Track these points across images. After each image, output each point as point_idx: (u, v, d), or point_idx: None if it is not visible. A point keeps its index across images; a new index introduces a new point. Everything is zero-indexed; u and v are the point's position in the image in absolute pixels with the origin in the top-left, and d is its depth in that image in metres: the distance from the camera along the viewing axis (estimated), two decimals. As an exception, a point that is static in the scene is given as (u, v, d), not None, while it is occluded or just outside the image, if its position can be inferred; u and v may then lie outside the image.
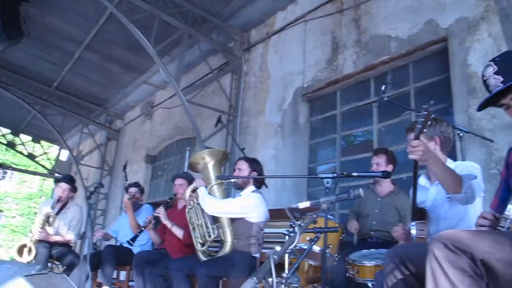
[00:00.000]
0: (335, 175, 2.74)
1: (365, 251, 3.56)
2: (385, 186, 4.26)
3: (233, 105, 8.24)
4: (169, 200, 4.95)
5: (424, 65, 5.49)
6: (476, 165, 2.74)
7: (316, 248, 3.42)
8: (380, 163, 4.17)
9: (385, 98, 4.16)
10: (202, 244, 4.08)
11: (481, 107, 2.06)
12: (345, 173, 2.83)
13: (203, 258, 4.01)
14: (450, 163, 2.84)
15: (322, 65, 6.59)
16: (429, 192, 2.87)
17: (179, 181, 5.02)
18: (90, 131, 13.38)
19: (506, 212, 1.81)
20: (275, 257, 1.66)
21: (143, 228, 4.70)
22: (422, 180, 2.93)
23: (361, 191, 2.20)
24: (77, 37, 9.31)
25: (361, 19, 6.17)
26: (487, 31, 4.71)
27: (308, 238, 3.36)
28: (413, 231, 2.62)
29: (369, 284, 3.24)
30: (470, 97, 4.70)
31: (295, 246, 1.94)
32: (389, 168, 4.17)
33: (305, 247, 3.09)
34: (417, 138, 2.35)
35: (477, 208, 2.72)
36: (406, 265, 2.06)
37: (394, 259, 2.10)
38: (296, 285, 2.32)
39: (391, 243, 3.57)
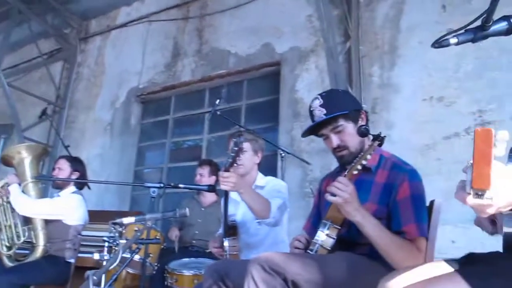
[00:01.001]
0: (161, 185, 2.67)
1: (185, 259, 3.53)
2: (209, 196, 4.30)
3: (61, 96, 7.61)
4: None
5: (257, 84, 5.74)
6: (283, 183, 2.92)
7: (136, 256, 3.27)
8: (203, 174, 4.21)
9: (218, 112, 4.22)
10: (9, 248, 3.56)
11: (304, 134, 2.19)
12: (172, 184, 2.78)
13: (9, 263, 3.52)
14: (261, 178, 2.96)
15: (160, 69, 6.46)
16: (239, 206, 2.92)
17: None
18: None
19: (316, 237, 1.92)
20: (95, 277, 1.50)
21: None
22: (233, 194, 2.93)
23: (187, 210, 2.18)
24: None
25: (204, 30, 6.22)
26: (315, 63, 5.11)
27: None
28: (227, 248, 2.66)
29: (187, 293, 3.23)
30: (294, 120, 5.03)
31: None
32: (212, 179, 4.20)
33: (125, 256, 2.93)
34: (227, 170, 2.41)
35: (283, 224, 2.88)
36: (224, 282, 2.06)
37: (213, 274, 2.10)
38: (113, 297, 2.16)
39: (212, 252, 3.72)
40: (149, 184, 2.66)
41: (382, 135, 1.86)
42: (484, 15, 1.23)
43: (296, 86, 5.16)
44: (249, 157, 2.88)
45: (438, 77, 4.37)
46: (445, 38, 1.26)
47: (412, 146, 4.20)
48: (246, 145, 2.78)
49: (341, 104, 2.04)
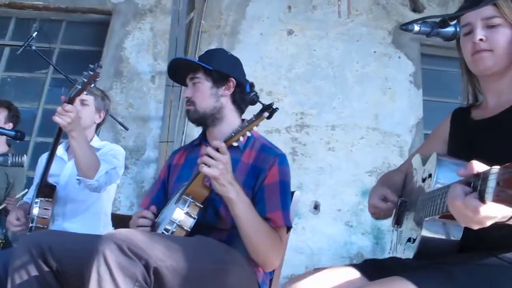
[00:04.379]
0: None
1: None
2: None
3: None
4: None
5: (79, 30, 4.79)
6: (122, 150, 2.47)
7: None
8: None
9: (33, 47, 3.42)
10: None
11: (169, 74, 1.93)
12: None
13: None
14: (96, 140, 2.47)
15: (-47, -24, 4.95)
16: (65, 166, 2.35)
17: None
18: None
19: (173, 215, 1.54)
20: None
21: None
22: (60, 150, 2.37)
23: (24, 159, 1.50)
24: None
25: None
26: (150, 24, 4.50)
27: None
28: (36, 210, 2.10)
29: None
30: (115, 79, 4.34)
31: None
32: (8, 126, 3.30)
33: None
34: (72, 101, 1.95)
35: (111, 194, 2.49)
36: (46, 259, 1.50)
37: (31, 248, 1.50)
38: None
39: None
40: None
41: (274, 106, 1.55)
42: (453, 14, 1.20)
43: (124, 43, 4.45)
44: (90, 113, 2.38)
45: (271, 72, 4.25)
46: (412, 23, 1.22)
47: (234, 134, 3.98)
48: (90, 99, 2.32)
49: (215, 61, 1.83)
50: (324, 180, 3.96)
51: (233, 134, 1.53)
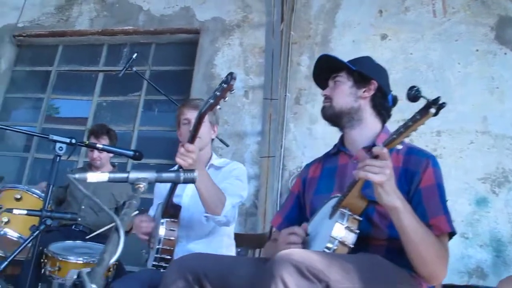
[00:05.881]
0: (73, 141, 2.09)
1: (69, 242, 2.66)
2: (104, 168, 3.38)
3: None
4: None
5: (169, 50, 4.84)
6: (243, 168, 2.38)
7: (12, 233, 2.29)
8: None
9: (134, 69, 3.42)
10: None
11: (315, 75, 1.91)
12: (86, 142, 2.29)
13: None
14: (215, 158, 2.39)
15: (49, 9, 5.10)
16: (187, 186, 2.28)
17: None
18: None
19: (333, 232, 1.41)
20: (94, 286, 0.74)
21: None
22: None
23: (196, 173, 1.41)
24: None
25: (113, -24, 5.11)
26: (239, 39, 4.45)
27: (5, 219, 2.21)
28: (162, 231, 2.01)
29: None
30: (208, 96, 4.30)
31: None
32: (108, 155, 3.34)
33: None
34: (202, 116, 1.79)
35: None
36: (202, 284, 1.47)
37: (186, 274, 1.47)
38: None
39: (102, 235, 2.91)
40: (56, 137, 2.05)
41: (440, 101, 1.24)
42: None
43: (215, 60, 4.42)
44: (208, 130, 2.30)
45: (367, 80, 4.06)
46: None
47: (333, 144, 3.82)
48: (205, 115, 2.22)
49: (360, 64, 1.78)
50: (434, 190, 3.69)
51: (394, 136, 1.31)
